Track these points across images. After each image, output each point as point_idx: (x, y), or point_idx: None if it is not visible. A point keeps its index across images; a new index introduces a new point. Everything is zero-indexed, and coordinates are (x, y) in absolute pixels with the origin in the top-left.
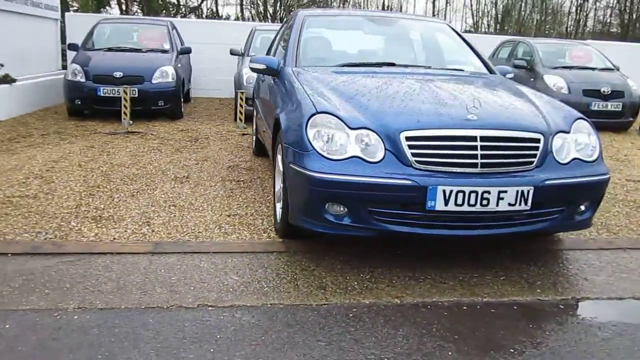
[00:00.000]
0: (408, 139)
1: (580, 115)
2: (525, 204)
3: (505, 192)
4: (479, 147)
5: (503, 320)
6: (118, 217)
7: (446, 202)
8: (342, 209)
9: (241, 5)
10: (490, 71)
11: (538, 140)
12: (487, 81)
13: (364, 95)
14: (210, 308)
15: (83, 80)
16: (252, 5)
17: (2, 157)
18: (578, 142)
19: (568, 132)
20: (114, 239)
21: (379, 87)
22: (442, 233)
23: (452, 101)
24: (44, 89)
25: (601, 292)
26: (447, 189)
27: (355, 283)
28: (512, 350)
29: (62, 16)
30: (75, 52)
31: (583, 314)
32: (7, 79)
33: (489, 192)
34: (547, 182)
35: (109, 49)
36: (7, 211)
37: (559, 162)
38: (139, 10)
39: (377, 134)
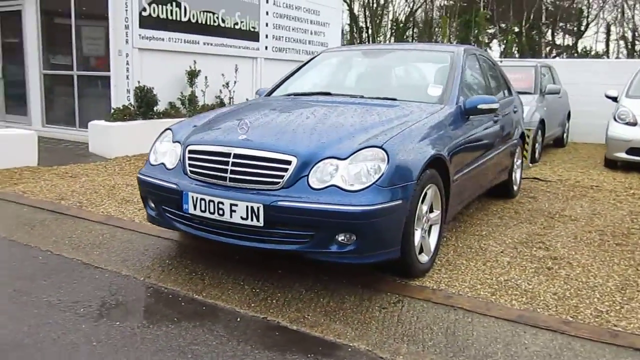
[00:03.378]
0: (190, 152)
1: (375, 144)
2: (257, 220)
3: (237, 205)
4: (230, 163)
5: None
6: None
7: (194, 207)
8: (152, 206)
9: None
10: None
11: (289, 163)
12: (391, 110)
13: (235, 113)
14: None
15: None
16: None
17: None
18: (357, 170)
19: (343, 159)
20: None
21: (267, 112)
22: (199, 234)
23: (299, 127)
24: None
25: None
26: (195, 195)
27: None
28: None
29: None
30: None
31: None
32: None
33: (222, 204)
34: (278, 203)
35: None
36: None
37: (311, 187)
38: (515, 52)
39: (181, 146)
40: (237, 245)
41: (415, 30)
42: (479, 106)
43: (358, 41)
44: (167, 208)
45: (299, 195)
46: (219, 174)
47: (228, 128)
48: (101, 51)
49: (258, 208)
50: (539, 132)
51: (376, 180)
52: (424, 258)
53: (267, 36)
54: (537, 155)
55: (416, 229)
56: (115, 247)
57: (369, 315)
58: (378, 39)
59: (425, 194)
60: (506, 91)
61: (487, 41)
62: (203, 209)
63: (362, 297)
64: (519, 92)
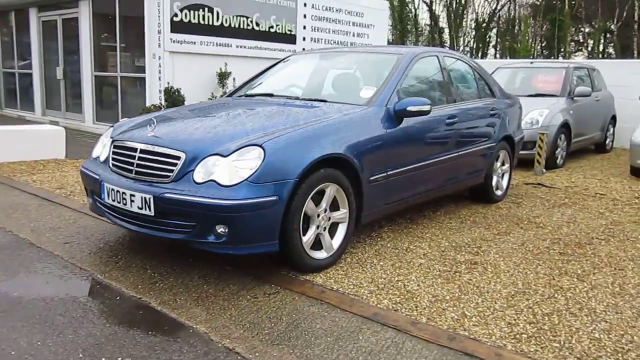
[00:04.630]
0: (114, 146)
1: (259, 142)
2: (149, 210)
3: (134, 196)
4: (136, 157)
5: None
6: None
7: (108, 196)
8: (90, 195)
9: None
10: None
11: (178, 158)
12: (309, 111)
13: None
14: None
15: None
16: None
17: None
18: (235, 167)
19: (225, 156)
20: None
21: (192, 112)
22: (114, 221)
23: (204, 126)
24: None
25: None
26: (109, 186)
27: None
28: None
29: None
30: None
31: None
32: None
33: (125, 194)
34: (165, 195)
35: None
36: None
37: (195, 181)
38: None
39: (111, 141)
40: (136, 231)
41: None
42: (408, 108)
43: (438, 42)
44: (96, 197)
45: (184, 188)
46: (128, 167)
47: (144, 126)
48: (140, 54)
49: (149, 199)
50: (562, 136)
51: (249, 177)
52: (320, 255)
53: (304, 39)
54: (559, 160)
55: (311, 226)
56: (69, 231)
57: (233, 302)
58: (458, 39)
59: (323, 192)
60: (486, 95)
61: (576, 39)
62: (113, 198)
63: (245, 286)
64: (541, 95)
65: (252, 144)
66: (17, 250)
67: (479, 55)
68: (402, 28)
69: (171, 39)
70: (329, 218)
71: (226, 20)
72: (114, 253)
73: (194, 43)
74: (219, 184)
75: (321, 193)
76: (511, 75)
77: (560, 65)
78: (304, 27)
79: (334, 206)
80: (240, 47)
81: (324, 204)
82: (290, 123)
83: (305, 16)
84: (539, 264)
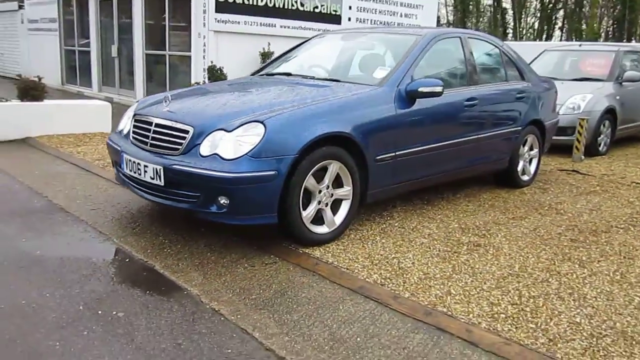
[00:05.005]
0: (135, 120)
1: (261, 119)
2: (160, 180)
3: (147, 167)
4: (151, 131)
5: None
6: None
7: (126, 167)
8: (116, 167)
9: None
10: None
11: (187, 132)
12: (319, 90)
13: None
14: None
15: None
16: None
17: None
18: (238, 142)
19: (229, 131)
20: None
21: (210, 90)
22: (133, 190)
23: (216, 103)
24: None
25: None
26: (127, 157)
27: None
28: None
29: None
30: None
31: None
32: None
33: (139, 165)
34: (173, 166)
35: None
36: None
37: (201, 154)
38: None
39: (133, 115)
40: (149, 200)
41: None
42: (419, 89)
43: (501, 23)
44: (119, 168)
45: (191, 160)
46: (144, 139)
47: (161, 101)
48: (188, 33)
49: (160, 170)
50: (606, 122)
51: (249, 151)
52: (321, 229)
53: (349, 19)
54: (602, 147)
55: (312, 201)
56: (98, 199)
57: (231, 269)
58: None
59: (326, 168)
60: (514, 78)
61: None
62: (131, 168)
63: (246, 255)
64: (587, 79)
65: (254, 121)
66: (48, 214)
67: (543, 37)
68: (464, 9)
69: (215, 19)
70: (332, 195)
71: (270, 0)
72: (134, 220)
73: (238, 23)
74: (222, 157)
75: (324, 170)
76: (558, 59)
77: (611, 48)
78: (350, 7)
79: (338, 183)
80: (284, 27)
81: (327, 180)
82: (298, 101)
83: None
84: (544, 249)
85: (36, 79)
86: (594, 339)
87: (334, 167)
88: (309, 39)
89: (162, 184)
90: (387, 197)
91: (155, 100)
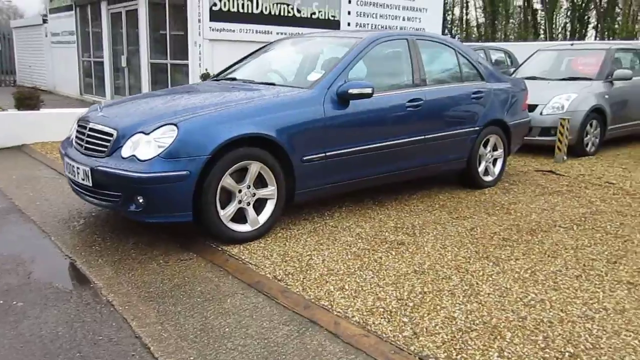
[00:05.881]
0: (78, 125)
1: (175, 121)
2: (89, 180)
3: (79, 169)
4: (86, 135)
5: None
6: None
7: (66, 170)
8: None
9: None
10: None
11: (112, 135)
12: (246, 93)
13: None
14: None
15: None
16: None
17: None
18: (153, 144)
19: (147, 134)
20: None
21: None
22: (76, 193)
23: (146, 107)
24: None
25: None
26: (66, 160)
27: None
28: None
29: None
30: None
31: None
32: None
33: (74, 167)
34: (98, 167)
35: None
36: None
37: (122, 156)
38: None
39: (77, 120)
40: (84, 200)
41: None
42: (349, 91)
43: (532, 24)
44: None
45: (113, 162)
46: (80, 143)
47: (98, 107)
48: (185, 43)
49: (88, 171)
50: (593, 122)
51: (161, 153)
52: (243, 228)
53: (349, 24)
54: (589, 147)
55: (232, 200)
56: (57, 201)
57: (144, 265)
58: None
59: (246, 169)
60: (470, 78)
61: None
62: (70, 171)
63: (167, 252)
64: (575, 79)
65: (169, 123)
66: (4, 214)
67: (576, 37)
68: (493, 10)
69: (210, 27)
70: (254, 194)
71: (266, 8)
72: (79, 220)
73: (233, 31)
74: (138, 159)
75: (245, 170)
76: (551, 59)
77: (602, 46)
78: (349, 13)
79: (264, 183)
80: (281, 34)
81: (247, 180)
82: (221, 104)
83: (350, 1)
84: (467, 248)
85: (32, 89)
86: (460, 333)
87: (254, 168)
88: (264, 46)
89: (91, 185)
90: (320, 197)
91: (102, 106)
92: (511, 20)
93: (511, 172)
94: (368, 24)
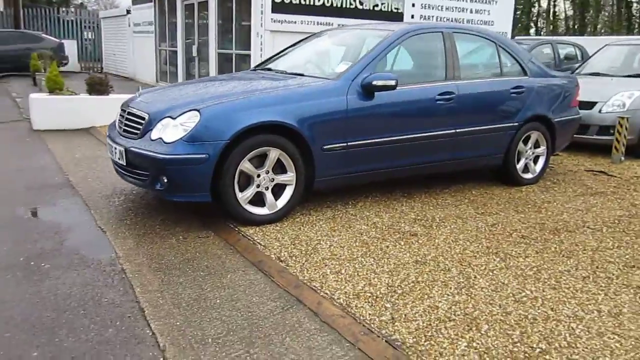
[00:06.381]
0: (121, 109)
1: (199, 107)
2: (123, 160)
3: (116, 149)
4: (125, 118)
5: None
6: None
7: (108, 150)
8: None
9: None
10: None
11: (144, 119)
12: (273, 82)
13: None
14: None
15: None
16: None
17: None
18: (179, 128)
19: (174, 118)
20: None
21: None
22: (117, 172)
23: (180, 93)
24: None
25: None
26: (108, 142)
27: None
28: None
29: None
30: None
31: None
32: None
33: (113, 148)
34: (130, 148)
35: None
36: None
37: (151, 138)
38: None
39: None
40: (122, 178)
41: None
42: (373, 82)
43: (625, 16)
44: None
45: (143, 144)
46: (120, 125)
47: (137, 93)
48: (249, 34)
49: (122, 151)
50: None
51: (183, 136)
52: (261, 211)
53: (412, 16)
54: None
55: (251, 184)
56: (107, 179)
57: (165, 239)
58: None
59: (266, 155)
60: (512, 73)
61: None
62: (111, 151)
63: (190, 230)
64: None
65: (193, 109)
66: (58, 189)
67: None
68: (582, 2)
69: (272, 19)
70: (272, 179)
71: (328, 0)
72: (120, 196)
73: (294, 22)
74: (164, 141)
75: (265, 155)
76: (619, 54)
77: None
78: (413, 5)
79: (283, 169)
80: (343, 26)
81: (266, 166)
82: (247, 92)
83: None
84: (480, 243)
85: (102, 76)
86: (437, 322)
87: (273, 154)
88: (309, 36)
89: (125, 164)
90: (340, 186)
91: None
92: (604, 13)
93: (559, 171)
94: (433, 17)
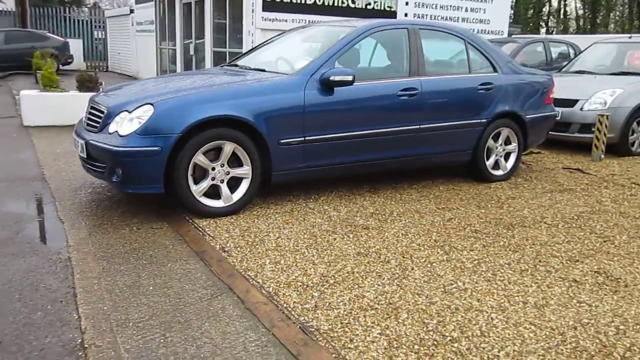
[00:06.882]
0: (88, 105)
1: (153, 101)
2: (84, 153)
3: (78, 142)
4: (89, 113)
5: None
6: None
7: (74, 144)
8: None
9: None
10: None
11: (103, 112)
12: (231, 77)
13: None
14: None
15: None
16: None
17: None
18: (133, 121)
19: (130, 112)
20: None
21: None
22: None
23: (142, 88)
24: None
25: None
26: (73, 135)
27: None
28: None
29: None
30: None
31: None
32: None
33: (77, 142)
34: (89, 141)
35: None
36: None
37: (109, 132)
38: None
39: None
40: (86, 171)
41: None
42: (330, 78)
43: (637, 16)
44: None
45: (101, 137)
46: (86, 120)
47: (102, 89)
48: (241, 32)
49: (83, 144)
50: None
51: (137, 129)
52: (216, 203)
53: (406, 15)
54: (635, 147)
55: (206, 177)
56: (80, 174)
57: (118, 230)
58: None
59: (221, 149)
60: (480, 69)
61: None
62: (75, 146)
63: (145, 221)
64: (627, 74)
65: (147, 103)
66: (30, 182)
67: None
68: (593, 1)
69: (262, 17)
70: (228, 173)
71: None
72: (88, 189)
73: (285, 21)
74: (119, 134)
75: (220, 149)
76: (607, 52)
77: None
78: (407, 3)
79: (239, 163)
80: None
81: (221, 159)
82: (205, 87)
83: None
84: (429, 237)
85: (92, 74)
86: (358, 311)
87: (228, 148)
88: (281, 33)
89: (85, 156)
90: (299, 180)
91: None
92: (615, 12)
93: (536, 169)
94: (427, 15)
